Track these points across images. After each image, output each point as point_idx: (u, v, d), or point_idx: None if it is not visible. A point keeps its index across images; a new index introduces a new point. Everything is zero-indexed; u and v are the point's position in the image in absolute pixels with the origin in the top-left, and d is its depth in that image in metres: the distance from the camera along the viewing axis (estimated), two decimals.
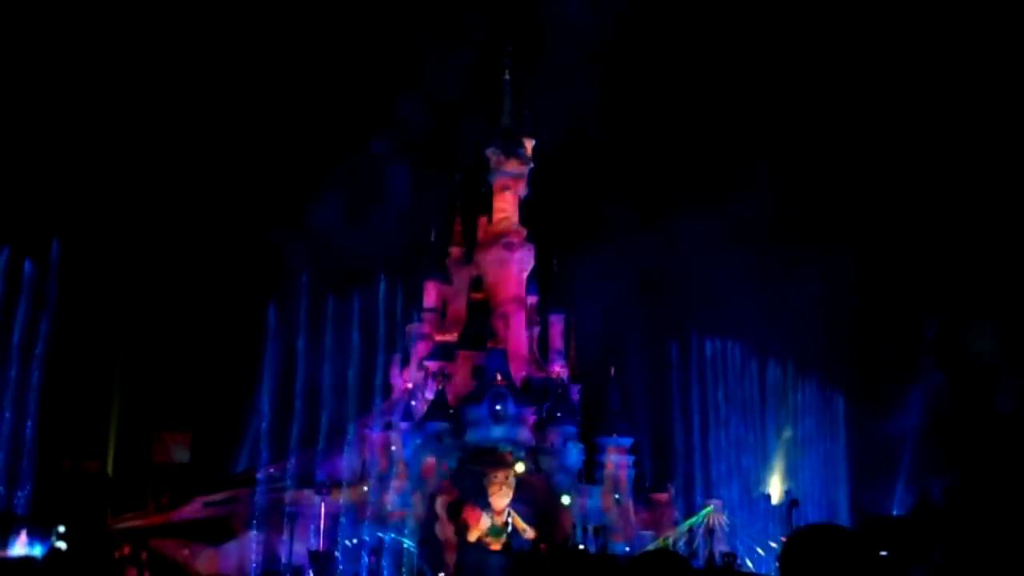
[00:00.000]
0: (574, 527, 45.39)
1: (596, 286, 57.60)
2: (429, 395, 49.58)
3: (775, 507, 51.29)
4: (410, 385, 52.36)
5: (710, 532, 45.50)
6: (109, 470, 51.85)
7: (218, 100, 67.51)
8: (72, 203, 59.19)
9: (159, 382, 58.06)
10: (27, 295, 44.37)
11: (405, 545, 43.85)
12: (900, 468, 52.12)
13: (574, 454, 48.21)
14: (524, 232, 53.98)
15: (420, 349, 53.73)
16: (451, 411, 47.69)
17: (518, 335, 52.85)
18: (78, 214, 58.43)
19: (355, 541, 43.74)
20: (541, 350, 55.44)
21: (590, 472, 48.47)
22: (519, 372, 51.12)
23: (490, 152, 54.48)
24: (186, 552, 44.49)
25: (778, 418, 55.42)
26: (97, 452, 53.15)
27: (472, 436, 46.78)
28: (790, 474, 53.98)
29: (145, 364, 59.00)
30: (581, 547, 42.77)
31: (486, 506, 45.16)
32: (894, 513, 48.85)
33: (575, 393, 53.58)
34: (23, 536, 32.46)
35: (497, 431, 46.83)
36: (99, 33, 63.93)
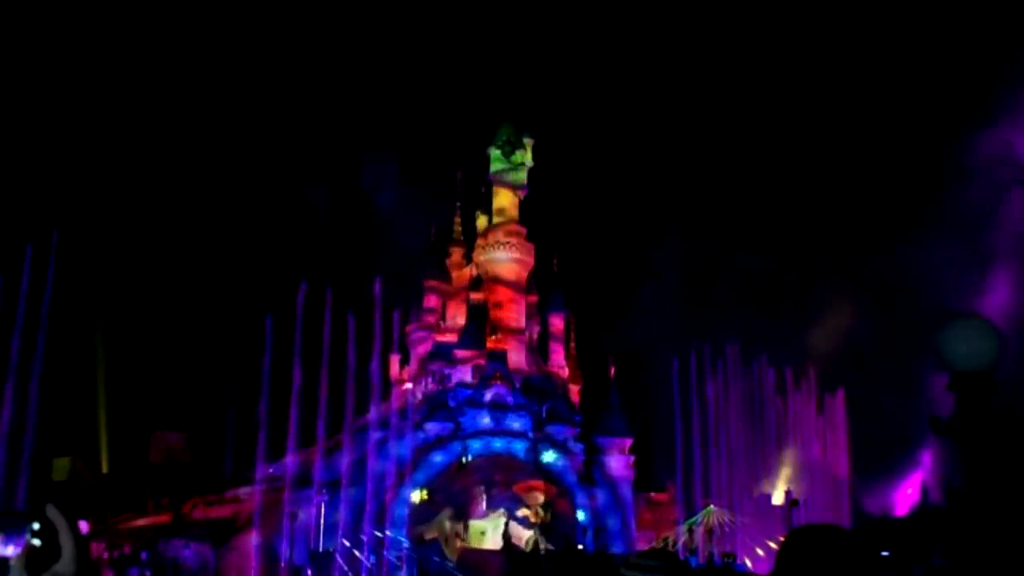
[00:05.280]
0: (574, 527, 45.33)
1: (596, 285, 57.57)
2: (429, 396, 49.54)
3: (775, 507, 51.19)
4: (410, 385, 52.33)
5: (710, 532, 45.44)
6: (104, 469, 51.84)
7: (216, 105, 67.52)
8: (72, 201, 59.17)
9: (158, 382, 58.08)
10: (24, 292, 44.27)
11: (405, 545, 43.79)
12: (900, 468, 52.08)
13: (574, 454, 48.16)
14: (524, 232, 53.97)
15: (420, 349, 53.70)
16: (451, 411, 47.65)
17: (518, 335, 52.82)
18: (77, 213, 58.38)
19: (356, 541, 43.67)
20: (541, 350, 55.40)
21: (590, 472, 48.40)
22: (519, 372, 51.08)
23: (490, 152, 54.48)
24: (186, 552, 44.42)
25: (779, 418, 55.33)
26: (92, 451, 53.18)
27: (472, 437, 46.75)
28: (790, 474, 53.89)
29: (144, 364, 59.01)
30: (580, 547, 42.78)
31: (485, 507, 45.15)
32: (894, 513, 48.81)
33: (575, 393, 53.51)
34: None
35: (497, 431, 46.83)
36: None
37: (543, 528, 44.95)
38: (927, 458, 51.49)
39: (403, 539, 43.93)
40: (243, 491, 47.89)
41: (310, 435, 52.30)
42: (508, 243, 53.22)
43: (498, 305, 52.38)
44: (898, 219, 60.01)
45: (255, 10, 69.34)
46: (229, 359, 55.51)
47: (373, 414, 51.65)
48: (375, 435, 49.02)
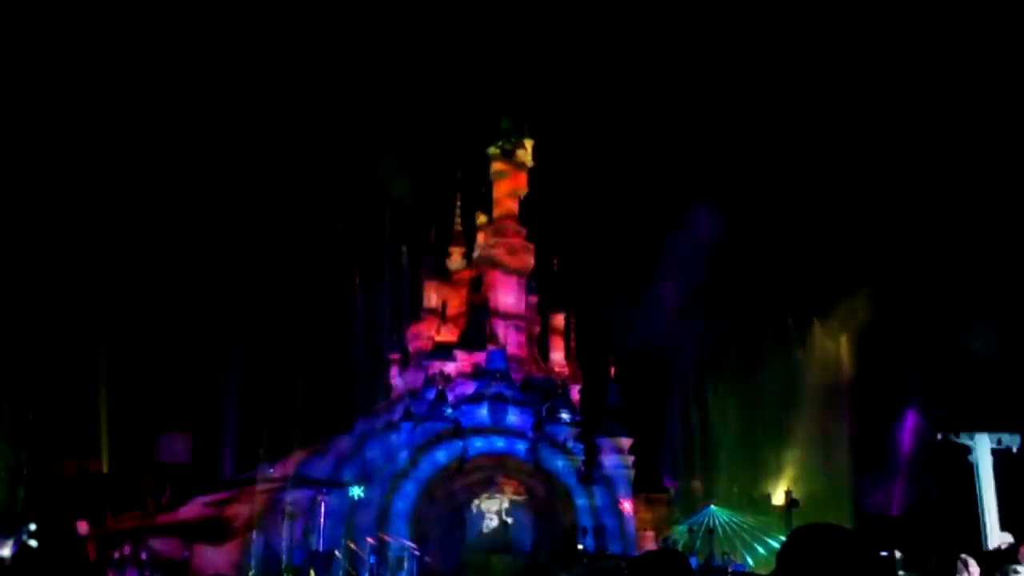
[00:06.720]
0: (574, 527, 45.37)
1: (596, 285, 57.60)
2: (429, 395, 49.58)
3: (775, 507, 51.25)
4: (410, 385, 52.38)
5: (710, 532, 45.52)
6: (105, 468, 51.87)
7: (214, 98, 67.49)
8: (70, 201, 59.20)
9: (159, 382, 58.08)
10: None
11: (406, 545, 43.82)
12: (900, 468, 52.10)
13: (574, 454, 48.17)
14: (524, 232, 53.99)
15: (420, 349, 53.74)
16: (451, 411, 47.68)
17: (518, 335, 52.85)
18: (76, 212, 58.46)
19: (355, 541, 43.71)
20: (541, 350, 55.39)
21: (590, 472, 48.42)
22: (519, 372, 51.10)
23: (490, 152, 54.52)
24: (186, 552, 44.42)
25: (779, 418, 55.40)
26: (93, 451, 53.23)
27: (471, 436, 46.78)
28: (790, 474, 53.95)
29: (144, 363, 59.05)
30: (580, 548, 42.84)
31: (485, 507, 45.19)
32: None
33: (575, 393, 53.52)
34: None
35: (496, 430, 46.86)
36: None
37: (542, 528, 45.00)
38: (926, 456, 51.49)
39: (405, 539, 43.95)
40: (243, 491, 47.93)
41: (310, 435, 52.46)
42: (508, 243, 53.27)
43: (498, 305, 52.44)
44: (907, 214, 60.00)
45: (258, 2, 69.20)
46: (230, 359, 55.57)
47: (374, 414, 51.78)
48: (375, 435, 49.09)
